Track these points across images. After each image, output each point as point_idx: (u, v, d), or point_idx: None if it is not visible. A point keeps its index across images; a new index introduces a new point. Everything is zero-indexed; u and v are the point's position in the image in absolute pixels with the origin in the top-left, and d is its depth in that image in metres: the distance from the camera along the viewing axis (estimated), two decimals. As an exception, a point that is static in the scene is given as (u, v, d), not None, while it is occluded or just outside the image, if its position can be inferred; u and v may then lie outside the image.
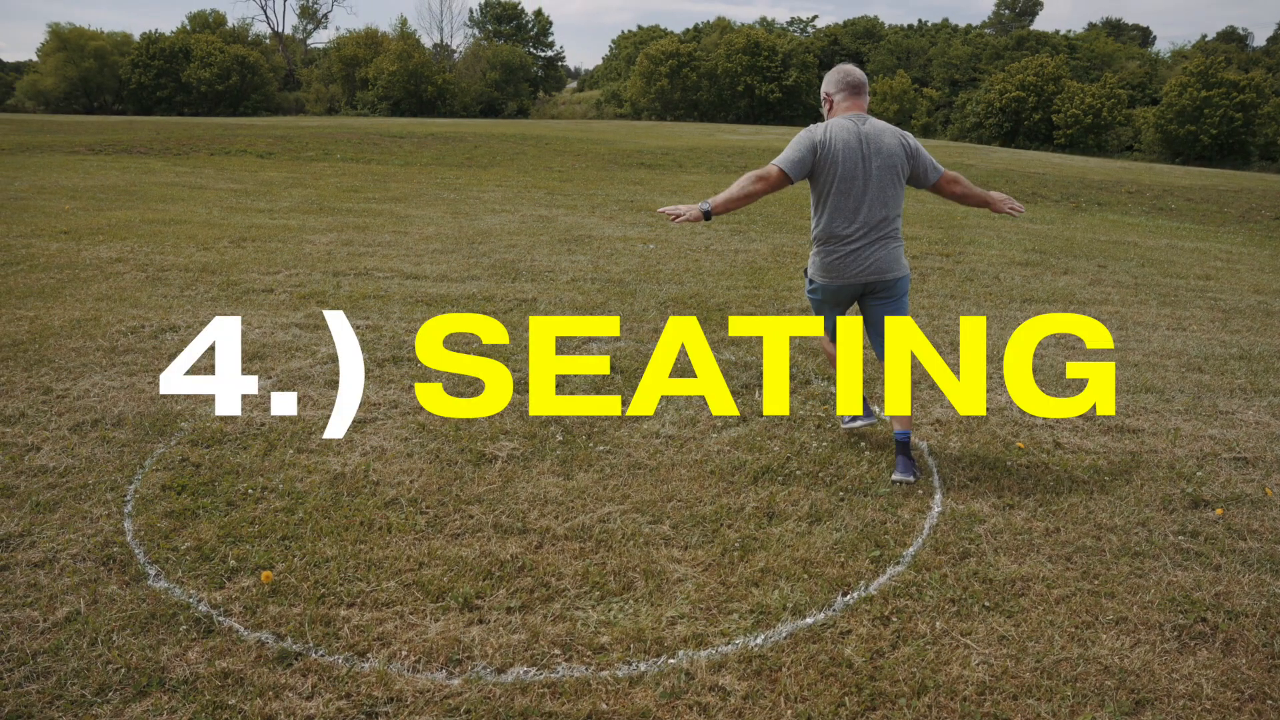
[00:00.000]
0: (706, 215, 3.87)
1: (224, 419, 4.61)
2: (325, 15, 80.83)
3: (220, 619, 2.91)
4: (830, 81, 4.15)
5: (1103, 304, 8.25)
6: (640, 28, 77.93)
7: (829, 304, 4.34)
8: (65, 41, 60.22)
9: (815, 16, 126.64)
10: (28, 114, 51.05)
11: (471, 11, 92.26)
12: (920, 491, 4.08)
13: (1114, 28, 71.15)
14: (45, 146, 20.83)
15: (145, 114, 55.57)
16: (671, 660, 2.80)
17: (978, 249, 11.00)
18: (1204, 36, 68.22)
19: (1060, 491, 4.17)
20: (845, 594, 3.22)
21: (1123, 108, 52.74)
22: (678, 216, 3.89)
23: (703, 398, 5.14)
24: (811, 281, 4.30)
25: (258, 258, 8.73)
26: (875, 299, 4.23)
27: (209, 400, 4.86)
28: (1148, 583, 3.41)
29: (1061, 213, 16.11)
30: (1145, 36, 74.39)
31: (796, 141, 4.01)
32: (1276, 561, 3.61)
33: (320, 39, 79.17)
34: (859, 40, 69.89)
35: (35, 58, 64.43)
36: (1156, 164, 39.58)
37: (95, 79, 60.98)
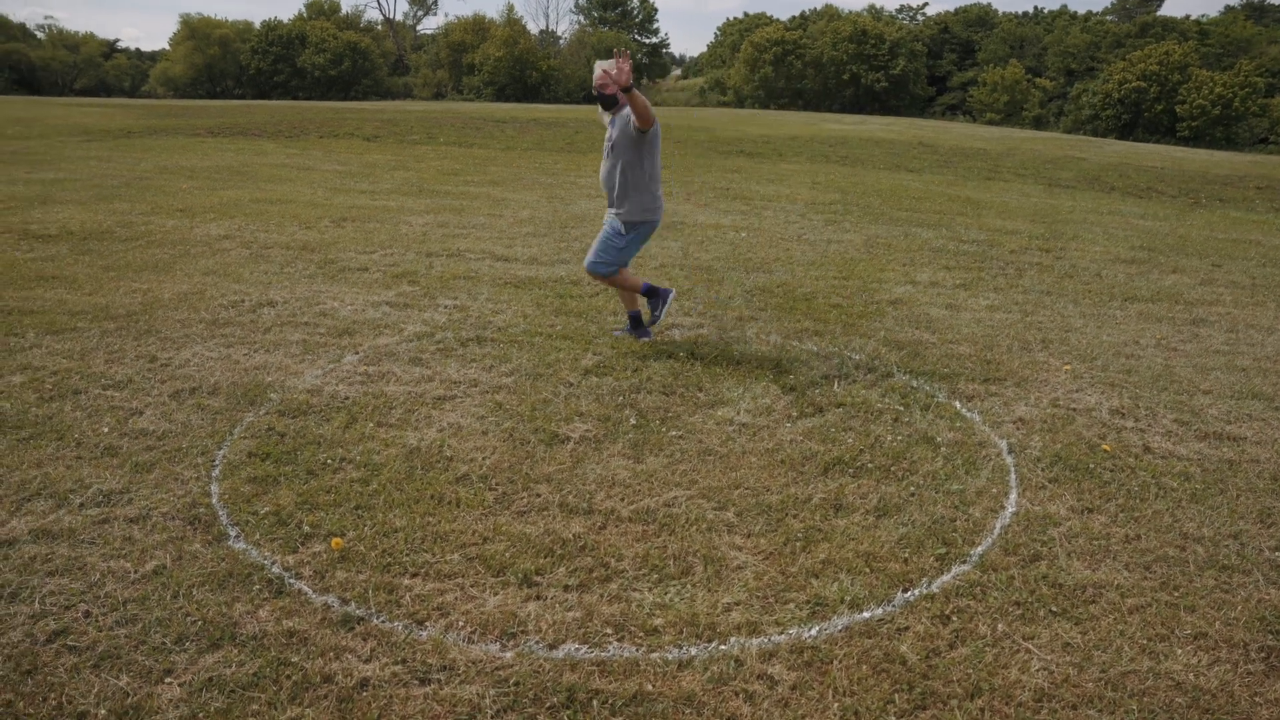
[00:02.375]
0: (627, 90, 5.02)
1: (310, 391, 4.80)
2: (435, 2, 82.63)
3: (291, 581, 3.05)
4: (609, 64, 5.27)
5: (1213, 304, 7.83)
6: (746, 15, 77.13)
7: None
8: (194, 30, 63.36)
9: (925, 4, 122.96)
10: (158, 99, 53.92)
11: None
12: (995, 490, 3.97)
13: (1255, 9, 66.80)
14: (170, 130, 21.96)
15: (262, 98, 57.98)
16: (723, 646, 2.81)
17: (1081, 244, 10.56)
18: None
19: (1145, 498, 4.00)
20: (906, 590, 3.16)
21: (1258, 97, 49.55)
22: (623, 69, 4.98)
23: (780, 387, 5.11)
24: (643, 225, 5.61)
25: (356, 237, 9.03)
26: None
27: (298, 373, 5.07)
28: (1235, 599, 3.24)
29: (1177, 209, 15.31)
30: (1290, 18, 69.49)
31: None
32: (1382, 583, 3.38)
33: (429, 25, 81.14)
34: (970, 28, 67.66)
35: (167, 46, 67.99)
36: (1291, 158, 37.15)
37: (219, 65, 63.98)
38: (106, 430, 4.23)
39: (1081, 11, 69.64)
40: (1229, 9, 66.37)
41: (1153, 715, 2.61)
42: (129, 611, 2.88)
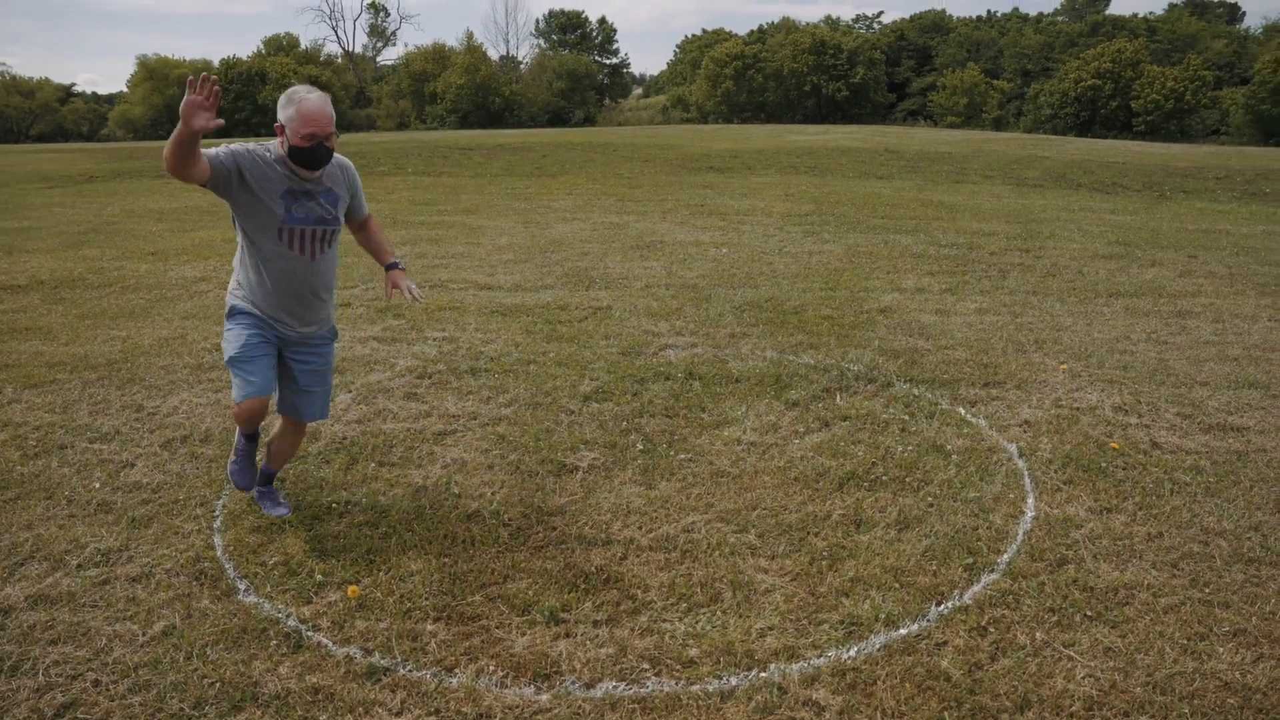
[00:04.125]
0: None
1: (306, 434, 4.68)
2: (394, 33, 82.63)
3: (309, 634, 2.94)
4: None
5: (1195, 296, 7.89)
6: (705, 31, 77.86)
7: None
8: (152, 71, 62.81)
9: (881, 12, 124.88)
10: (119, 142, 53.34)
11: (537, 22, 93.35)
12: (1012, 496, 3.93)
13: (1198, 6, 68.39)
14: (134, 172, 21.68)
15: (224, 136, 57.48)
16: (763, 674, 2.73)
17: (1058, 243, 10.65)
18: (1299, 10, 65.03)
19: (1161, 494, 3.97)
20: (939, 603, 3.11)
21: (1208, 90, 50.65)
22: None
23: (783, 403, 5.05)
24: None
25: (335, 273, 8.90)
26: None
27: (293, 415, 4.95)
28: (1267, 592, 3.21)
29: (1145, 202, 15.52)
30: (1234, 13, 71.26)
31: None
32: (1406, 567, 3.37)
33: (390, 56, 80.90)
34: (926, 34, 68.63)
35: (125, 89, 67.39)
36: (1247, 147, 37.92)
37: (179, 105, 63.34)
38: (98, 485, 4.09)
39: (1033, 13, 70.81)
40: (1173, 6, 67.91)
41: (1206, 717, 2.57)
42: (141, 677, 2.76)
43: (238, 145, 3.34)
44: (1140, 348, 6.22)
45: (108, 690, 2.70)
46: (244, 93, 62.79)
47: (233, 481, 3.75)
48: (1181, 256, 9.83)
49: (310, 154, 3.32)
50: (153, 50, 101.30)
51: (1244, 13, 71.83)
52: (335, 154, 3.53)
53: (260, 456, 3.90)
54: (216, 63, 65.57)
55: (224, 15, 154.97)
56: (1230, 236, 11.45)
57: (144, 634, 2.97)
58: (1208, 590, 3.22)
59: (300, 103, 3.25)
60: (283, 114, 3.28)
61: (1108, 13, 65.37)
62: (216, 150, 3.26)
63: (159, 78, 62.57)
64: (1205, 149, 33.41)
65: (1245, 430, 4.74)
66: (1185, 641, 2.91)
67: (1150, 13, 65.32)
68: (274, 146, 3.37)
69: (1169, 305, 7.49)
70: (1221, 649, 2.88)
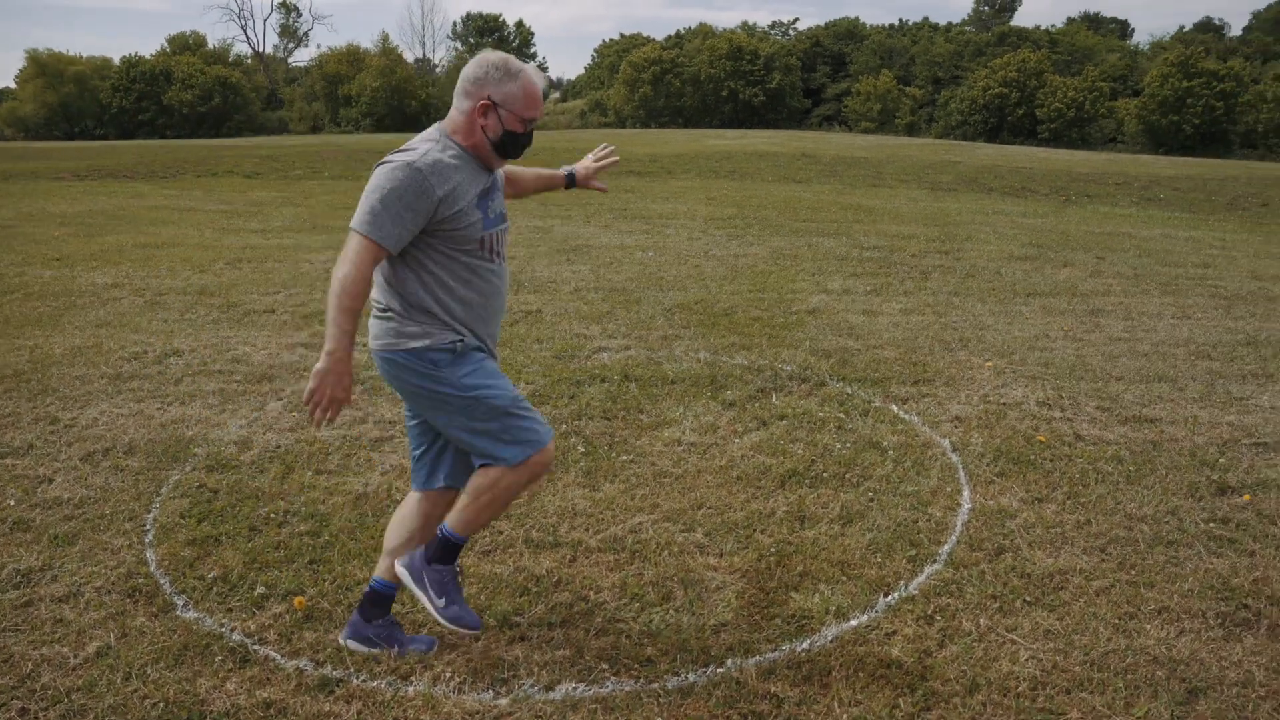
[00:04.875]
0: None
1: (238, 443, 4.54)
2: (306, 33, 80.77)
3: (255, 647, 2.85)
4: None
5: (1105, 295, 8.25)
6: (622, 35, 78.06)
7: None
8: (44, 67, 59.92)
9: (796, 19, 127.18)
10: (7, 141, 50.83)
11: (454, 24, 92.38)
12: (949, 489, 4.05)
13: (1092, 21, 71.62)
14: (28, 174, 20.69)
15: (127, 138, 55.30)
16: (720, 669, 2.76)
17: (975, 245, 11.01)
18: (1181, 27, 68.82)
19: (1087, 483, 4.15)
20: (886, 595, 3.18)
21: (1105, 100, 53.07)
22: None
23: (720, 403, 5.11)
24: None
25: (255, 278, 8.66)
26: None
27: (220, 424, 4.80)
28: (1185, 571, 3.38)
29: (1053, 206, 16.16)
30: (1124, 29, 74.88)
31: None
32: (1311, 546, 3.59)
33: (302, 57, 79.10)
34: (840, 41, 70.12)
35: (14, 84, 64.20)
36: (1141, 155, 39.81)
37: (76, 104, 60.66)
38: (13, 503, 3.89)
39: (943, 23, 73.04)
40: (1071, 20, 70.92)
41: (1138, 690, 2.69)
42: (75, 702, 2.63)
43: (412, 177, 2.45)
44: (1059, 345, 6.47)
45: (37, 718, 2.57)
46: (148, 93, 60.51)
47: (463, 625, 2.71)
48: (1090, 258, 10.26)
49: (524, 141, 2.66)
50: (42, 44, 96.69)
51: (1133, 29, 75.52)
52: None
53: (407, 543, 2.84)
54: (117, 60, 63.05)
55: (125, 11, 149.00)
56: (1133, 239, 12.01)
57: (75, 656, 2.84)
58: (1134, 572, 3.37)
59: (525, 78, 2.58)
60: (497, 90, 2.54)
61: (1012, 24, 67.90)
62: (386, 226, 2.45)
63: (52, 74, 59.73)
64: (1104, 156, 34.96)
65: (1158, 421, 4.98)
66: (1116, 621, 3.05)
67: (1052, 25, 68.06)
68: (447, 139, 2.60)
69: (1082, 304, 7.81)
70: (1149, 626, 3.02)
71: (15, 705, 2.61)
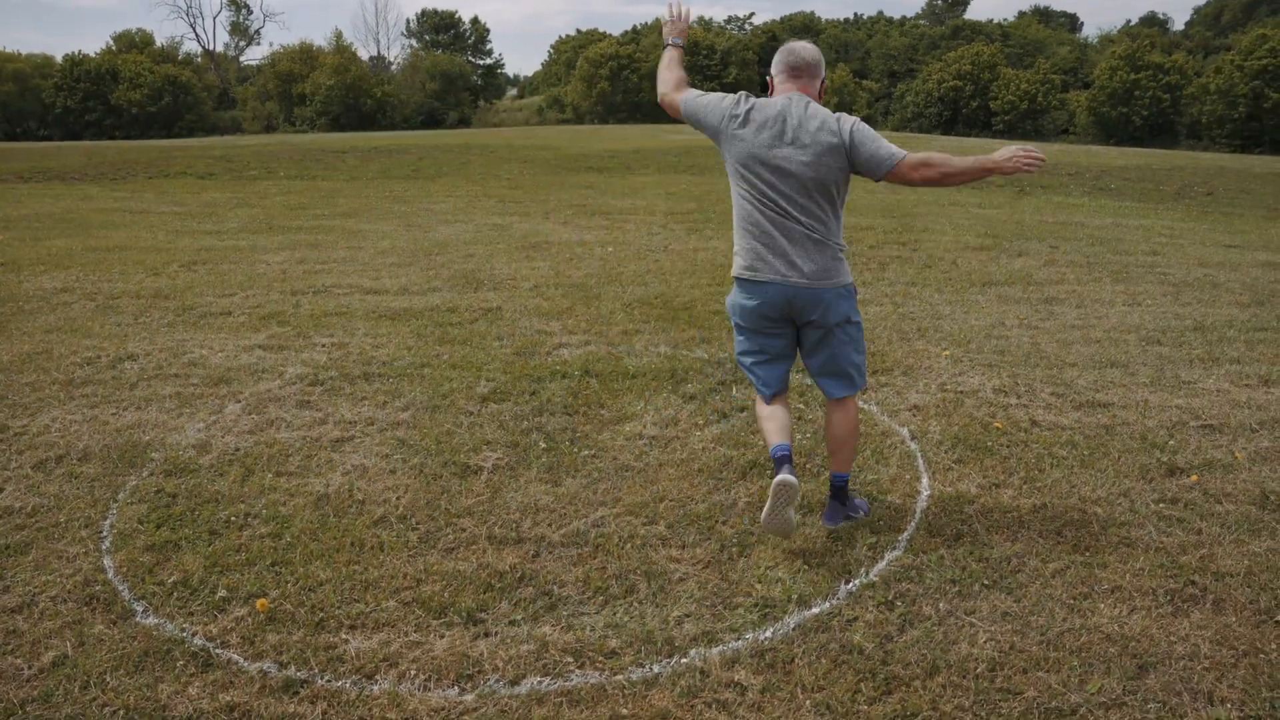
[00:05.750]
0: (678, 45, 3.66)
1: (196, 446, 4.48)
2: (258, 31, 79.53)
3: (218, 651, 2.83)
4: (773, 64, 3.49)
5: (1059, 283, 8.41)
6: (579, 31, 77.94)
7: (749, 329, 3.56)
8: (-20, 65, 58.40)
9: (752, 14, 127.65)
10: (-51, 145, 49.44)
11: (408, 22, 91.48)
12: (908, 476, 4.11)
13: (1043, 15, 72.83)
14: (-26, 178, 20.18)
15: (73, 139, 54.07)
16: (684, 660, 2.78)
17: (932, 235, 11.15)
18: (1128, 21, 70.14)
19: (1042, 468, 4.23)
20: (847, 582, 3.23)
21: (1056, 92, 54.05)
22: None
23: (680, 397, 5.13)
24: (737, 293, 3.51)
25: (211, 280, 8.54)
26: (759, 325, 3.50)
27: (178, 428, 4.73)
28: (1136, 551, 3.47)
29: (1008, 196, 16.42)
30: (1073, 23, 76.28)
31: (721, 95, 3.48)
32: (1253, 523, 3.70)
33: (254, 56, 77.89)
34: (796, 35, 70.49)
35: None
36: (1093, 146, 40.60)
37: (16, 103, 59.14)
38: (-36, 512, 3.81)
39: (897, 17, 73.81)
40: (1022, 14, 72.01)
41: (1091, 667, 2.76)
42: (31, 713, 2.58)
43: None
44: (1014, 333, 6.59)
45: (-5, 727, 2.53)
46: (93, 92, 59.23)
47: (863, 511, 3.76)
48: (1044, 247, 10.45)
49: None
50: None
51: (1082, 23, 76.84)
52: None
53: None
54: (59, 58, 61.58)
55: (64, 8, 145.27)
56: (1085, 229, 12.24)
57: (30, 667, 2.79)
58: (1088, 554, 3.45)
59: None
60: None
61: (965, 18, 68.77)
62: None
63: (-11, 72, 58.27)
64: (1057, 147, 35.59)
65: (1110, 406, 5.09)
66: (1071, 601, 3.12)
67: (1004, 19, 69.05)
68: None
69: (1037, 293, 7.96)
70: (1102, 605, 3.09)
71: (-33, 719, 2.57)
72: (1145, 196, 17.20)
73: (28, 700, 2.64)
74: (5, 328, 6.83)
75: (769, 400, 3.56)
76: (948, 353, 6.04)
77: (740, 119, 3.35)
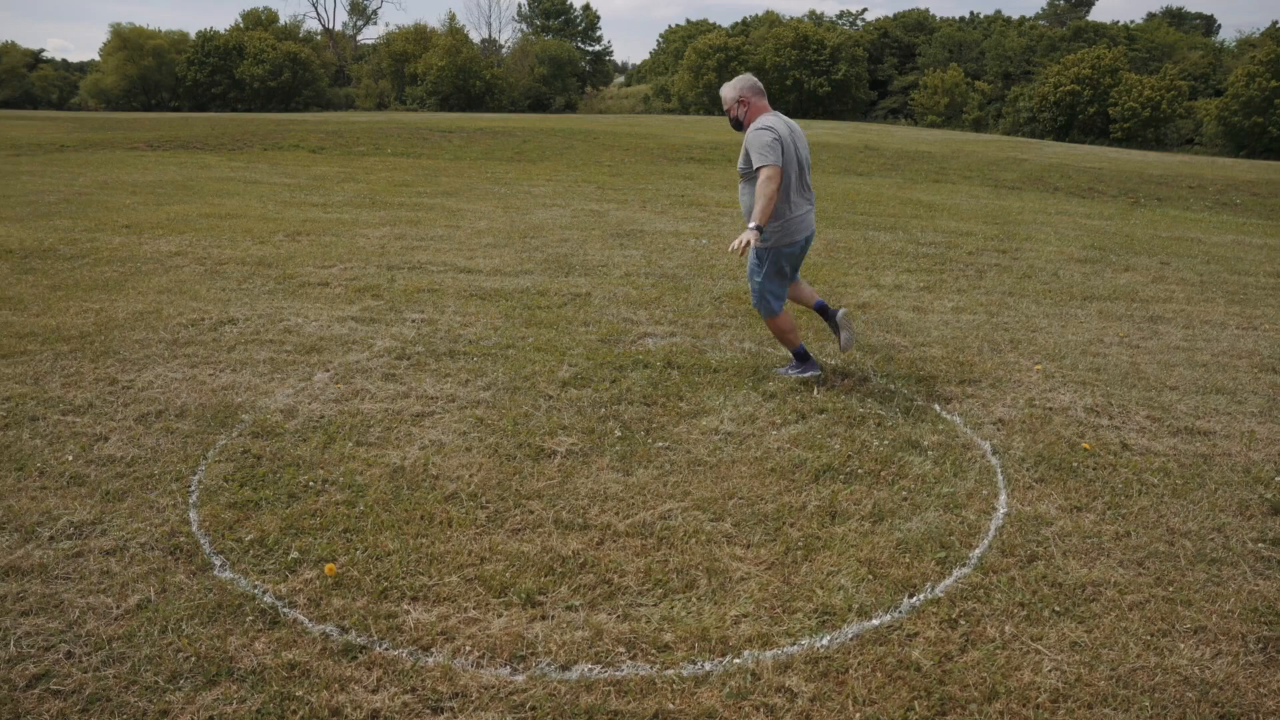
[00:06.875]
0: (760, 230, 4.71)
1: (284, 411, 4.66)
2: (375, 11, 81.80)
3: (285, 610, 2.94)
4: (745, 87, 5.11)
5: (1166, 301, 8.02)
6: (689, 21, 77.63)
7: (791, 267, 5.20)
8: (126, 41, 61.68)
9: (865, 9, 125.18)
10: (90, 111, 52.41)
11: (520, 6, 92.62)
12: (985, 492, 3.99)
13: (1175, 17, 69.20)
14: (106, 143, 21.34)
15: (200, 110, 56.73)
16: (737, 660, 2.77)
17: (1034, 245, 10.77)
18: (1274, 23, 65.90)
19: (1130, 494, 4.05)
20: (911, 596, 3.15)
21: (1183, 100, 51.32)
22: (743, 246, 4.63)
23: (760, 394, 5.09)
24: (779, 251, 5.06)
25: (312, 251, 8.84)
26: (801, 256, 5.23)
27: (268, 392, 4.92)
28: (1227, 591, 3.29)
29: (1120, 208, 15.73)
30: (1209, 25, 72.17)
31: (771, 142, 4.82)
32: (1362, 571, 3.47)
33: (370, 35, 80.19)
34: (910, 33, 68.94)
35: (98, 57, 66.13)
36: (1219, 157, 38.48)
37: (153, 77, 62.36)
38: (71, 458, 4.05)
39: (1016, 16, 71.35)
40: (1152, 16, 68.68)
41: (1165, 711, 2.63)
42: (115, 650, 2.74)
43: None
44: (1112, 351, 6.32)
45: (80, 662, 2.68)
46: (221, 67, 61.91)
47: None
48: (1154, 263, 9.98)
49: (731, 125, 5.25)
50: (126, 18, 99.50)
51: (1219, 25, 72.75)
52: (754, 123, 4.98)
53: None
54: (194, 35, 64.57)
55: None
56: (1201, 245, 11.63)
57: (118, 607, 2.95)
58: (1171, 589, 3.29)
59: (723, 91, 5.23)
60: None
61: (1089, 19, 65.98)
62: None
63: (133, 47, 61.49)
64: (1179, 158, 33.87)
65: (1212, 434, 4.84)
66: (1149, 637, 2.98)
67: (1131, 21, 66.01)
68: None
69: (1141, 310, 7.61)
70: (1183, 645, 2.95)
71: (62, 648, 2.74)
72: (1275, 214, 16.23)
73: (114, 637, 2.80)
74: (123, 286, 7.21)
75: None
76: (1040, 367, 5.83)
77: (785, 139, 4.95)
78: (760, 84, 5.13)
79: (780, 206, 4.94)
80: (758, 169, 4.80)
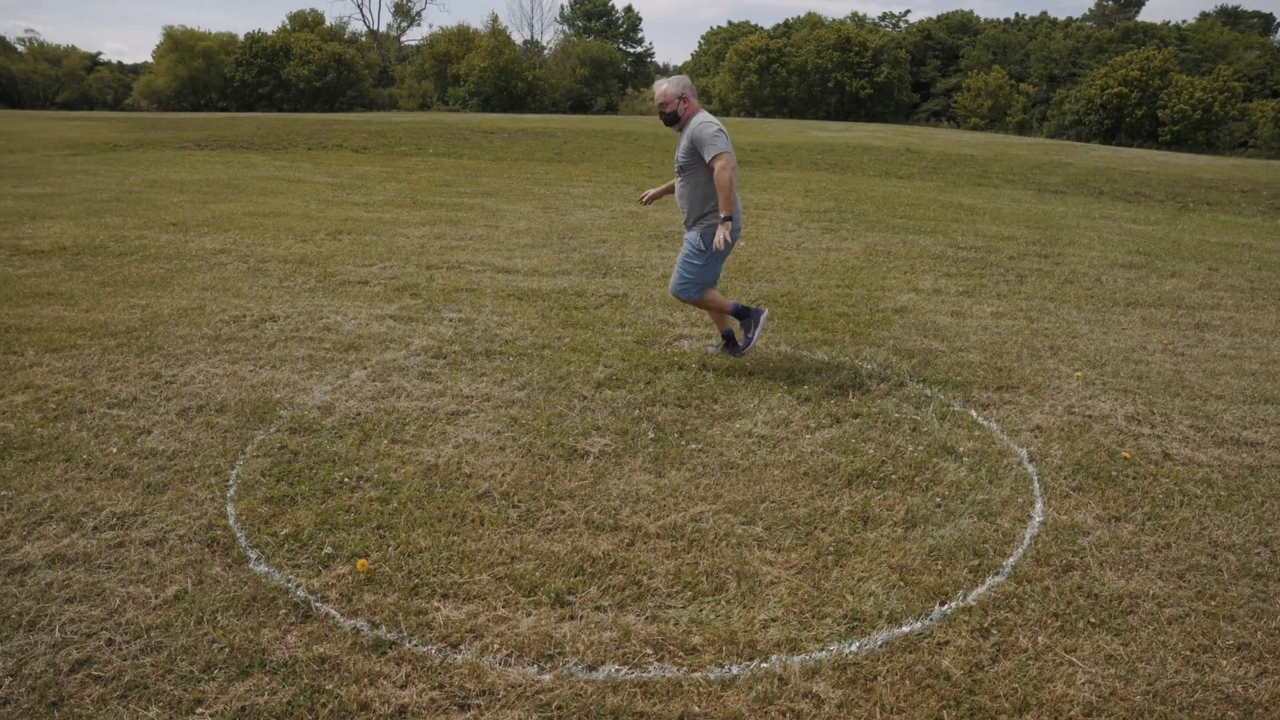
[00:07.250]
0: (729, 219, 4.95)
1: (321, 408, 4.73)
2: (419, 13, 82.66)
3: (318, 605, 2.98)
4: (686, 86, 5.19)
5: (1214, 308, 7.85)
6: (730, 23, 77.51)
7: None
8: (177, 43, 63.08)
9: (908, 11, 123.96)
10: (143, 112, 53.60)
11: (562, 8, 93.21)
12: (1021, 500, 3.93)
13: (1230, 16, 67.58)
14: (156, 143, 21.80)
15: (247, 110, 57.73)
16: (764, 664, 2.75)
17: (1077, 250, 10.60)
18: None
19: (1171, 505, 3.97)
20: (943, 603, 3.12)
21: (1237, 101, 50.09)
22: (724, 239, 4.92)
23: (795, 398, 5.07)
24: (721, 245, 5.04)
25: (353, 250, 8.96)
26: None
27: (306, 389, 5.00)
28: (1273, 607, 3.21)
29: (1167, 213, 15.41)
30: (1268, 24, 70.28)
31: (717, 132, 4.98)
32: None
33: (414, 36, 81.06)
34: (953, 35, 68.16)
35: (151, 59, 67.67)
36: (1275, 160, 37.53)
37: (203, 77, 63.72)
38: (115, 450, 4.14)
39: (1062, 18, 70.16)
40: (1205, 15, 67.13)
41: (1203, 728, 2.57)
42: (153, 639, 2.80)
43: None
44: (1156, 358, 6.19)
45: (120, 649, 2.75)
46: (267, 68, 62.98)
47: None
48: (1202, 269, 9.77)
49: (663, 119, 5.24)
50: (178, 21, 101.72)
51: (1279, 23, 70.83)
52: (694, 118, 5.10)
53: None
54: (242, 36, 65.78)
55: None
56: (1253, 250, 11.37)
57: (156, 597, 3.02)
58: (1213, 603, 3.22)
59: (654, 87, 5.24)
60: None
61: (1138, 19, 64.74)
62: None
63: (184, 49, 62.86)
64: (1231, 161, 33.12)
65: (1259, 445, 4.72)
66: (1188, 653, 2.92)
67: (1182, 21, 64.66)
68: None
69: (1187, 317, 7.45)
70: (1225, 662, 2.88)
71: (103, 635, 2.81)
72: (1329, 221, 15.79)
73: (152, 626, 2.86)
74: (169, 283, 7.36)
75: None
76: (1080, 373, 5.73)
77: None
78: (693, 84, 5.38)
79: (714, 204, 5.15)
80: (711, 160, 4.94)
